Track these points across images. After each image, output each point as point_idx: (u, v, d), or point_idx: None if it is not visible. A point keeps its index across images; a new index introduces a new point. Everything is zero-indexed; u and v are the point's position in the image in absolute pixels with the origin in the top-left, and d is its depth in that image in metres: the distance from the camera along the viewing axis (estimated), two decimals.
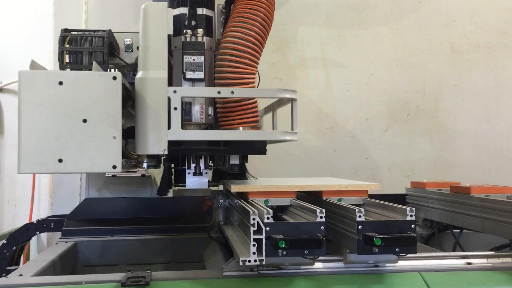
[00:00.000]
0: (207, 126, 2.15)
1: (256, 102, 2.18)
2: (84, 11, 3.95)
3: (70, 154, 1.65)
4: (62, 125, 1.64)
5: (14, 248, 2.80)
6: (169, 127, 1.84)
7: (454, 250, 2.56)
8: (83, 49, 1.92)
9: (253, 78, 2.15)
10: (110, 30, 2.10)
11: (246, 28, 2.13)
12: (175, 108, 1.86)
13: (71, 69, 1.93)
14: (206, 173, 2.29)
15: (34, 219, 3.07)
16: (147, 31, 1.89)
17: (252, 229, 1.69)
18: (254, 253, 1.68)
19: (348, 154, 4.35)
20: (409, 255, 1.92)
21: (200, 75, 2.04)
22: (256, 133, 2.06)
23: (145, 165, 2.04)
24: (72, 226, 2.75)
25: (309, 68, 4.34)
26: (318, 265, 1.88)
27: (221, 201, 2.42)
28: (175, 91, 1.87)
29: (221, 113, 2.15)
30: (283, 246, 1.63)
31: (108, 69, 1.90)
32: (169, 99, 1.85)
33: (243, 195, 2.20)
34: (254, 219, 1.69)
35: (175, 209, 2.95)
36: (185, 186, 2.28)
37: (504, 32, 4.49)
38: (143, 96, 1.81)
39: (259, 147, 2.14)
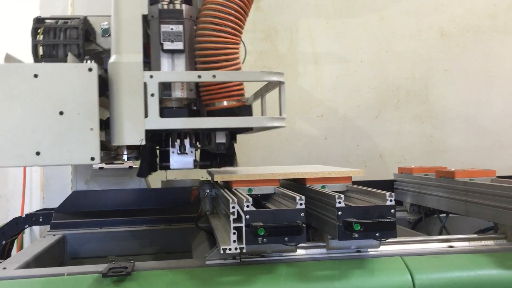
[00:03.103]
0: (189, 101, 2.04)
1: None
2: (70, 3, 3.92)
3: (47, 147, 1.64)
4: (38, 118, 1.63)
5: (4, 242, 2.80)
6: (146, 115, 1.75)
7: (440, 234, 2.57)
8: (57, 42, 1.88)
9: (237, 49, 2.01)
10: (85, 17, 2.05)
11: None
12: (152, 95, 1.76)
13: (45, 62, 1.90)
14: (192, 151, 2.18)
15: (26, 213, 3.07)
16: (120, 11, 1.78)
17: (232, 217, 1.70)
18: (234, 241, 1.69)
19: (339, 142, 4.35)
20: (391, 240, 1.94)
21: (179, 45, 1.89)
22: (241, 119, 1.95)
23: (125, 157, 1.99)
24: (61, 219, 2.75)
25: (298, 56, 4.33)
26: (300, 252, 1.89)
27: (207, 191, 2.42)
28: (151, 76, 1.77)
29: (203, 87, 2.01)
30: (262, 233, 1.64)
31: (85, 60, 1.85)
32: (145, 84, 1.75)
33: (227, 184, 2.21)
34: (233, 207, 1.70)
35: (164, 199, 2.95)
36: (169, 166, 2.17)
37: (493, 16, 4.48)
38: (117, 82, 1.72)
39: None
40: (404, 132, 4.43)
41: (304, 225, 1.70)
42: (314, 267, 1.81)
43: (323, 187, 2.20)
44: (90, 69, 1.66)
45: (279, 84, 1.98)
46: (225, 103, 1.99)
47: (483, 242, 1.99)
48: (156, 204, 2.93)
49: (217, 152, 2.16)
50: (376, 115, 4.40)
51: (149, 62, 2.01)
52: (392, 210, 1.76)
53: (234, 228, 1.69)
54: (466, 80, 4.46)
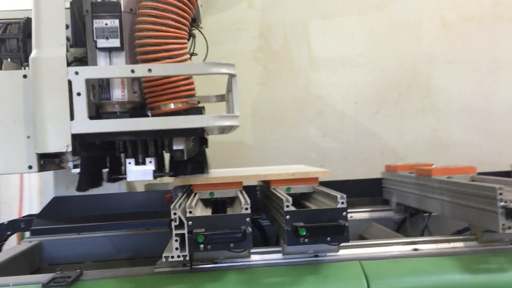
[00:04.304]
0: (134, 104, 1.85)
1: None
2: None
3: None
4: None
5: None
6: (72, 118, 1.59)
7: (422, 235, 2.46)
8: None
9: (183, 44, 1.81)
10: (27, 19, 1.93)
11: None
12: (79, 94, 1.59)
13: None
14: (151, 162, 1.92)
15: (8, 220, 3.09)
16: None
17: (173, 224, 1.64)
18: (177, 248, 1.64)
19: (338, 139, 4.23)
20: (352, 243, 1.86)
21: (115, 42, 1.70)
22: (183, 119, 1.74)
23: (70, 164, 1.88)
24: (41, 225, 2.76)
25: (293, 52, 4.23)
26: (254, 258, 1.83)
27: (180, 194, 2.37)
28: (77, 72, 1.60)
29: (147, 87, 1.83)
30: (202, 240, 1.58)
31: (23, 67, 1.77)
32: (70, 82, 1.59)
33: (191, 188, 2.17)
34: (175, 213, 1.64)
35: (144, 203, 2.93)
36: (124, 178, 1.97)
37: (498, 3, 4.27)
38: (38, 80, 1.57)
39: (195, 128, 1.80)
40: (406, 127, 4.27)
41: (249, 230, 1.63)
42: (266, 273, 1.74)
43: (288, 189, 2.13)
44: (25, 76, 1.63)
45: (230, 77, 1.82)
46: (172, 105, 1.82)
47: (452, 244, 1.88)
48: (137, 208, 2.91)
49: (175, 160, 2.05)
50: (376, 110, 4.26)
51: None
52: (344, 213, 1.67)
53: (177, 235, 1.64)
54: (471, 71, 4.27)
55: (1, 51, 1.88)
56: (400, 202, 2.70)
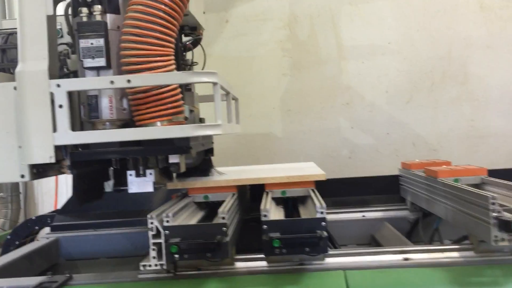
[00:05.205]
0: (124, 122, 1.81)
1: (176, 89, 1.77)
2: None
3: None
4: None
5: (17, 243, 2.98)
6: (55, 130, 1.61)
7: (431, 238, 2.35)
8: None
9: (168, 61, 1.74)
10: None
11: None
12: (61, 106, 1.61)
13: None
14: (151, 173, 1.90)
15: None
16: (22, 13, 1.64)
17: (150, 233, 1.66)
18: (154, 257, 1.66)
19: (367, 130, 4.11)
20: (340, 251, 1.82)
21: (101, 61, 1.69)
22: (163, 130, 1.67)
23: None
24: (62, 221, 2.88)
25: (320, 42, 4.13)
26: (239, 265, 1.82)
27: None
28: (58, 85, 1.61)
29: (133, 106, 1.77)
30: (175, 250, 1.59)
31: None
32: (52, 95, 1.61)
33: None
34: (152, 223, 1.66)
35: (162, 200, 2.97)
36: (126, 190, 1.98)
37: None
38: (22, 93, 1.60)
39: (180, 146, 1.75)
40: (440, 117, 4.07)
41: (225, 240, 1.62)
42: (246, 281, 1.74)
43: (283, 192, 2.10)
44: (15, 88, 1.68)
45: (213, 85, 1.74)
46: (158, 124, 1.74)
47: (446, 254, 1.77)
48: (153, 205, 2.96)
49: (172, 172, 2.04)
50: (407, 100, 4.09)
51: None
52: (323, 223, 1.62)
53: (154, 244, 1.66)
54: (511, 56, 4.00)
55: (3, 60, 1.96)
56: (414, 202, 2.59)
